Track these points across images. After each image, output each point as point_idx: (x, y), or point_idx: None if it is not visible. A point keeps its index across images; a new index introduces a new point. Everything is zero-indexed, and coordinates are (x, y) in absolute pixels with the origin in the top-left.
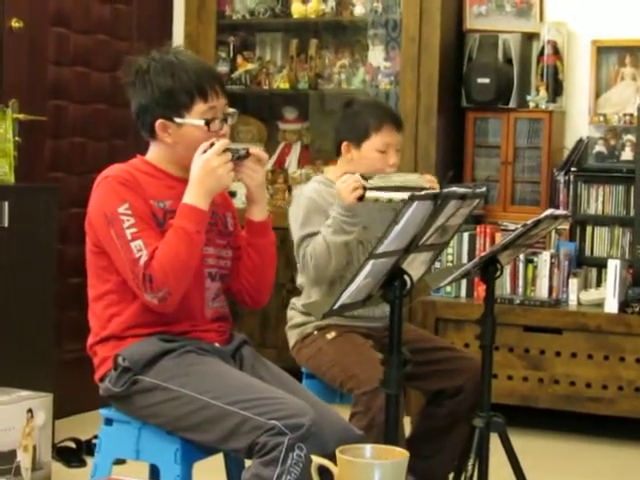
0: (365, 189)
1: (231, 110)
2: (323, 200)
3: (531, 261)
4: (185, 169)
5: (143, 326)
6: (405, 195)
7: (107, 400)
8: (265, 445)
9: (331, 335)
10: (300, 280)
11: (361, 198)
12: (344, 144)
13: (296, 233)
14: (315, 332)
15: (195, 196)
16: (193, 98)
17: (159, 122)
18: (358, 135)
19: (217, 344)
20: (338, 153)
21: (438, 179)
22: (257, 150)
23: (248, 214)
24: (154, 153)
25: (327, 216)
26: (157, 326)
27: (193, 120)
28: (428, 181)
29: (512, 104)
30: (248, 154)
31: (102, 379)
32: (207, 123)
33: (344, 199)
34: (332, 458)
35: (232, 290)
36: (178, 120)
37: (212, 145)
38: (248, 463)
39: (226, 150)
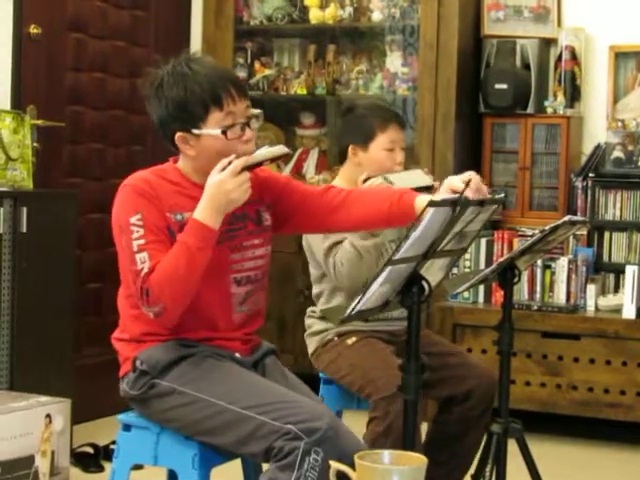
0: None
1: (256, 111)
2: None
3: (549, 267)
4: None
5: (160, 334)
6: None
7: (126, 401)
8: (281, 449)
9: (351, 340)
10: (320, 287)
11: None
12: (351, 148)
13: (320, 245)
14: (336, 338)
15: (205, 213)
16: (207, 108)
17: (178, 136)
18: (364, 137)
19: (237, 354)
20: (342, 159)
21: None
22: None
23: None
24: (182, 161)
25: None
26: (174, 334)
27: (210, 130)
28: (426, 173)
29: (530, 110)
30: (271, 161)
31: (122, 378)
32: (224, 132)
33: None
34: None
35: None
36: (195, 132)
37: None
38: (266, 467)
39: (244, 169)
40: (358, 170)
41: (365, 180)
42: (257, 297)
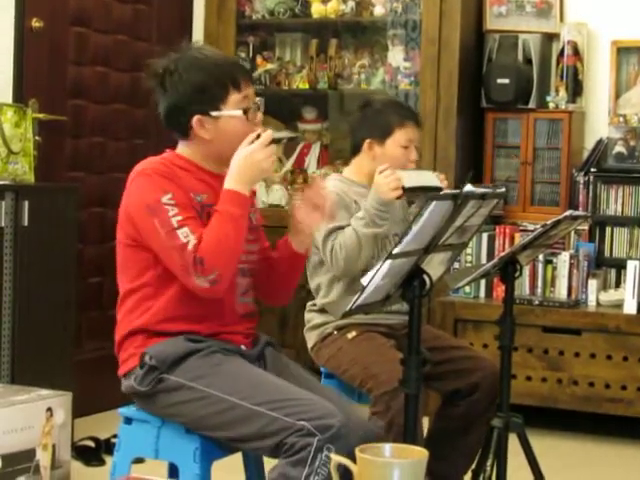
0: (404, 190)
1: (258, 99)
2: (345, 196)
3: (550, 262)
4: (222, 163)
5: (174, 320)
6: None
7: (129, 397)
8: (293, 445)
9: (352, 334)
10: (318, 280)
11: (398, 197)
12: (367, 142)
13: (321, 227)
14: (335, 332)
15: (238, 184)
16: (227, 89)
17: (196, 119)
18: (382, 132)
19: (243, 347)
20: (355, 152)
21: (457, 180)
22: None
23: (291, 239)
24: (187, 149)
25: (350, 212)
26: (187, 323)
27: (231, 111)
28: (441, 180)
29: (532, 104)
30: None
31: (126, 375)
32: (245, 112)
33: (383, 194)
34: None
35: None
36: (214, 113)
37: (259, 137)
38: (267, 461)
39: (271, 142)
40: (372, 164)
41: (381, 172)
42: (251, 295)
